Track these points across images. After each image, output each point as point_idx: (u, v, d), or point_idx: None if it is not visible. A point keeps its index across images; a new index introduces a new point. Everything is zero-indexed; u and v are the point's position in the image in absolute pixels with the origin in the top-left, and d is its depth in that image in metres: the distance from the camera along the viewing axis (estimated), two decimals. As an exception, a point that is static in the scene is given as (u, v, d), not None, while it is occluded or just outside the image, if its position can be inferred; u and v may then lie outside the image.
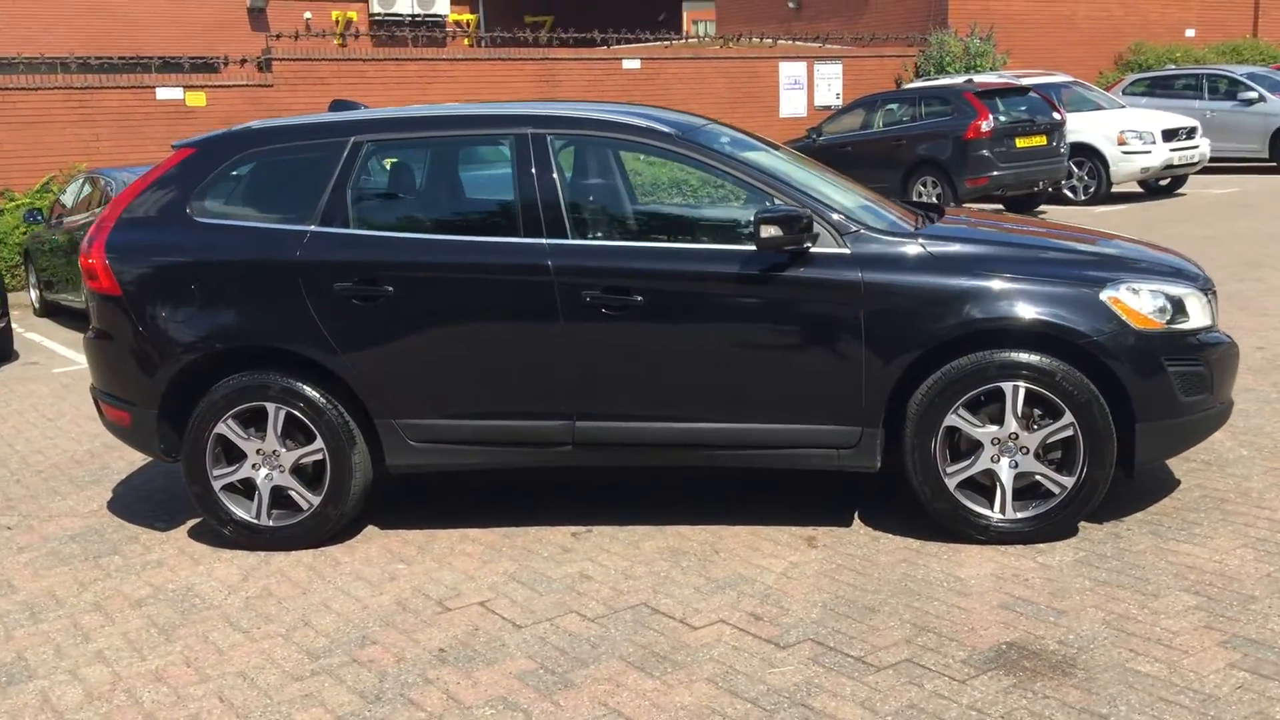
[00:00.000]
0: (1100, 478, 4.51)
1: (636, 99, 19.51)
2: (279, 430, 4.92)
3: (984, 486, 4.62)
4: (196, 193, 5.03)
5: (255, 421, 4.96)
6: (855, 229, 4.63)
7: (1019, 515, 4.57)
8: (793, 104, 22.19)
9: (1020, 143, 15.69)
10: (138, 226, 5.05)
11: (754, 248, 4.59)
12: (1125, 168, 16.86)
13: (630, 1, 30.96)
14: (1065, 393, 4.45)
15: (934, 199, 15.61)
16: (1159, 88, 21.19)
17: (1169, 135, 16.90)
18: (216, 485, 5.01)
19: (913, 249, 4.62)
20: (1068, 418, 4.47)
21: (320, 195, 4.93)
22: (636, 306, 4.63)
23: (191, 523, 5.42)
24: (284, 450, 4.95)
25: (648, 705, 3.57)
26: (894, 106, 17.08)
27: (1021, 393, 4.48)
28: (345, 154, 4.93)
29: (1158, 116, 17.39)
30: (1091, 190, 17.07)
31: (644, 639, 4.01)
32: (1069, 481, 4.52)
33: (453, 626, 4.20)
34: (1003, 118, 15.65)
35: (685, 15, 41.93)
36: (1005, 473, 4.56)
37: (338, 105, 5.55)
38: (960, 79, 18.08)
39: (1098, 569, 4.34)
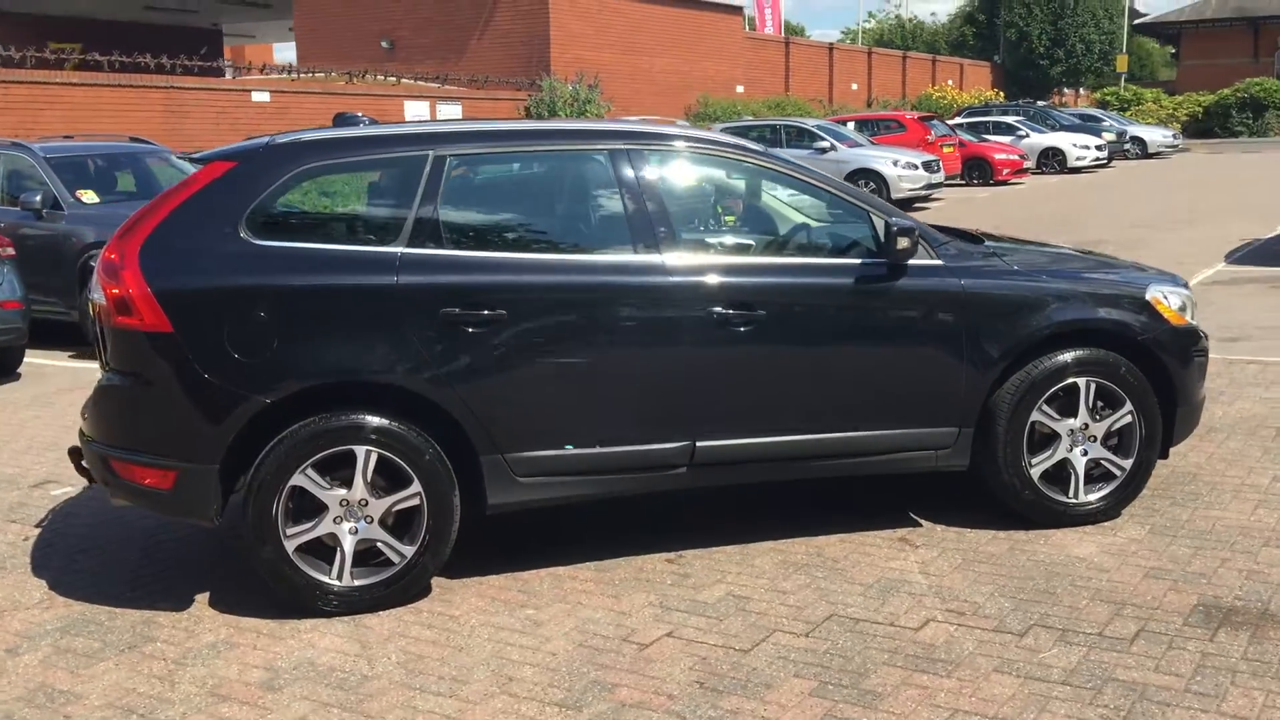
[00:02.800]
0: (1151, 459, 5.11)
1: (269, 132, 18.54)
2: (368, 477, 4.38)
3: (1058, 476, 5.05)
4: (250, 212, 4.37)
5: (331, 469, 4.38)
6: (944, 241, 4.94)
7: (1090, 498, 5.06)
8: (417, 143, 21.97)
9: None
10: (179, 253, 4.30)
11: (860, 260, 4.76)
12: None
13: (162, 32, 29.22)
14: (1127, 384, 5.00)
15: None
16: (742, 136, 23.54)
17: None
18: (290, 546, 4.36)
19: (994, 260, 4.99)
20: (1128, 406, 5.02)
21: (406, 213, 4.47)
22: (760, 321, 4.64)
23: (200, 597, 4.66)
24: (373, 499, 4.41)
25: (978, 701, 3.63)
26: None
27: (1094, 387, 4.98)
28: (428, 168, 4.51)
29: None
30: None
31: (884, 645, 4.04)
32: (1128, 464, 5.07)
33: (678, 658, 3.99)
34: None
35: (226, 49, 40.23)
36: (1078, 461, 5.03)
37: (342, 119, 5.03)
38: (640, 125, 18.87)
39: (1172, 537, 4.91)
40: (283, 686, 3.91)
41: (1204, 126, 50.58)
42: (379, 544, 4.44)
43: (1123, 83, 52.74)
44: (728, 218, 5.22)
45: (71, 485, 6.31)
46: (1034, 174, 30.81)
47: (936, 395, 4.86)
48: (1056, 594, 4.39)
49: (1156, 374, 5.07)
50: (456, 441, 4.47)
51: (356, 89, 21.35)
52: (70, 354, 10.37)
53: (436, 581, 4.66)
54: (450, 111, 22.60)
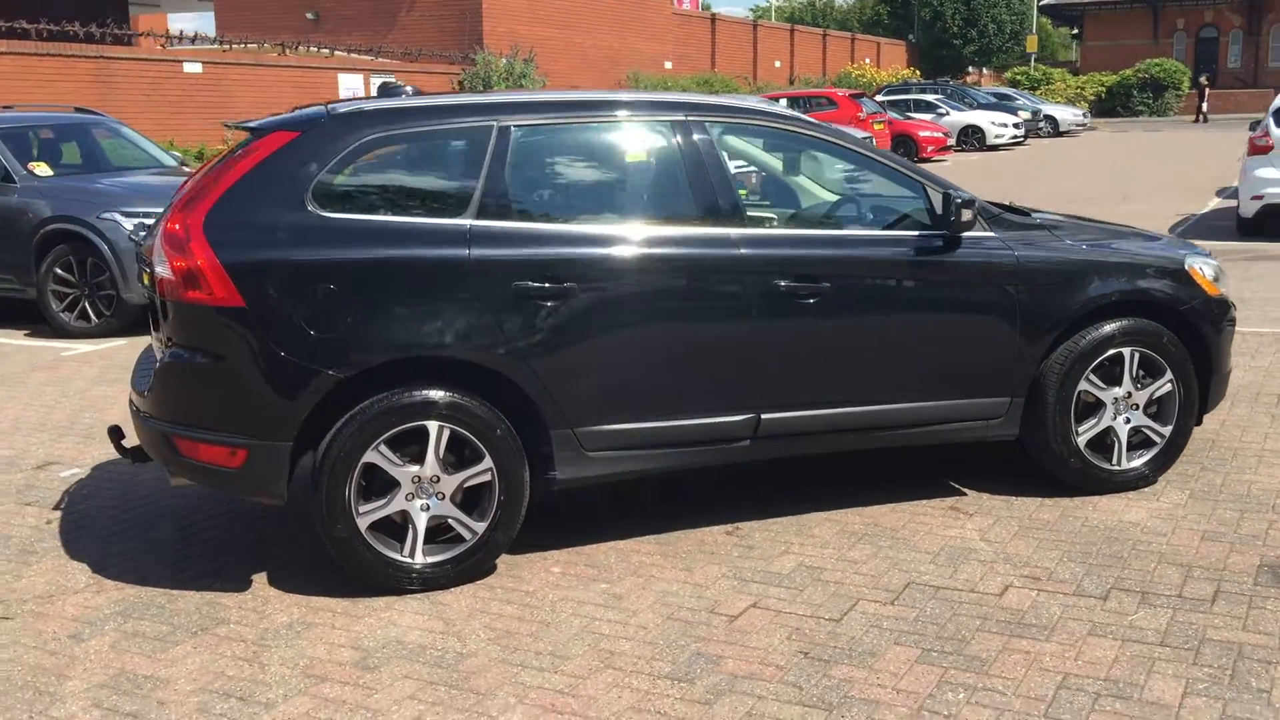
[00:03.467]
0: (1189, 426, 5.25)
1: (201, 104, 18.07)
2: (440, 453, 4.31)
3: (1101, 443, 5.16)
4: (317, 183, 4.24)
5: (401, 445, 4.30)
6: (997, 213, 4.99)
7: (1132, 464, 5.18)
8: (352, 117, 21.55)
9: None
10: (245, 225, 4.16)
11: (919, 232, 4.80)
12: None
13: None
14: (1168, 353, 5.12)
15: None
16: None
17: None
18: (363, 524, 4.27)
19: (1044, 232, 5.07)
20: (1168, 375, 5.14)
21: (473, 185, 4.38)
22: (825, 293, 4.65)
23: (257, 577, 4.54)
24: (444, 475, 4.33)
25: (1084, 664, 3.69)
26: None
27: (1138, 356, 5.09)
28: (494, 138, 4.42)
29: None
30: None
31: (972, 611, 4.09)
32: (1167, 431, 5.20)
33: (771, 629, 3.99)
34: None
35: (133, 18, 39.00)
36: (1121, 428, 5.14)
37: (387, 89, 4.91)
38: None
39: (1214, 501, 5.04)
40: (378, 666, 3.83)
41: (1107, 106, 51.95)
42: (450, 520, 4.36)
43: (1032, 63, 53.82)
44: (787, 189, 5.19)
45: (78, 466, 6.11)
46: (956, 151, 31.35)
47: (990, 365, 4.92)
48: (1123, 558, 4.49)
49: (1194, 343, 5.19)
50: (526, 416, 4.41)
51: (289, 61, 20.85)
52: (25, 332, 10.02)
53: (501, 557, 4.60)
54: (384, 85, 22.20)
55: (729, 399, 4.62)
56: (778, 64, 40.20)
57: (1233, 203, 16.17)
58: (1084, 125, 41.31)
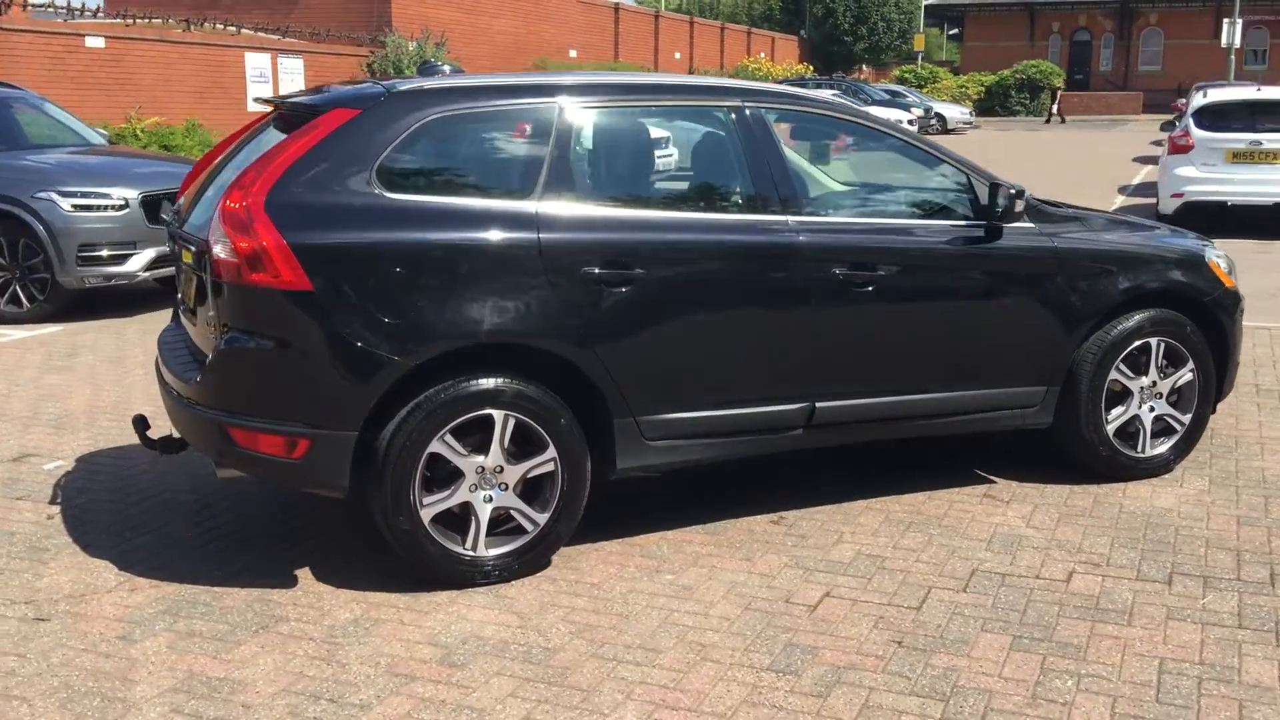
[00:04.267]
0: (1206, 414, 5.39)
1: (104, 81, 17.35)
2: (505, 442, 4.18)
3: (1125, 431, 5.26)
4: (381, 163, 4.07)
5: (464, 434, 4.16)
6: (1035, 204, 5.05)
7: (1155, 452, 5.30)
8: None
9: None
10: (309, 206, 3.97)
11: (966, 222, 4.84)
12: None
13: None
14: (1191, 343, 5.25)
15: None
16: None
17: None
18: (426, 517, 4.12)
19: (1078, 224, 5.14)
20: (1190, 365, 5.27)
21: (538, 167, 4.25)
22: (878, 281, 4.64)
23: (300, 572, 4.36)
24: (508, 465, 4.21)
25: (1175, 648, 3.74)
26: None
27: (1163, 346, 5.21)
28: (557, 120, 4.31)
29: None
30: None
31: (1046, 598, 4.12)
32: (1187, 419, 5.33)
33: (855, 618, 3.96)
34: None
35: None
36: (1147, 417, 5.26)
37: (426, 68, 4.75)
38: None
39: (1235, 488, 5.19)
40: (464, 663, 3.69)
41: (986, 105, 53.36)
42: (513, 511, 4.24)
43: (920, 61, 55.00)
44: (836, 178, 5.17)
45: (60, 459, 5.80)
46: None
47: (1030, 355, 4.97)
48: (1171, 544, 4.58)
49: (1213, 333, 5.33)
50: (589, 404, 4.31)
51: (194, 38, 20.11)
52: (-49, 317, 9.47)
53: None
54: (292, 66, 21.59)
55: (785, 387, 4.58)
56: (678, 55, 40.34)
57: (1138, 200, 16.76)
58: (970, 124, 42.35)
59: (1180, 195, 13.39)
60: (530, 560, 4.28)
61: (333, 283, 3.91)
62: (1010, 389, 4.98)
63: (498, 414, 4.13)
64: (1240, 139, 13.19)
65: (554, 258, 4.15)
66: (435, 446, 4.08)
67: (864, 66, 57.76)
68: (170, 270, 9.38)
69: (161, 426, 5.08)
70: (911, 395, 4.82)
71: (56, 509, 5.08)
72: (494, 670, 3.65)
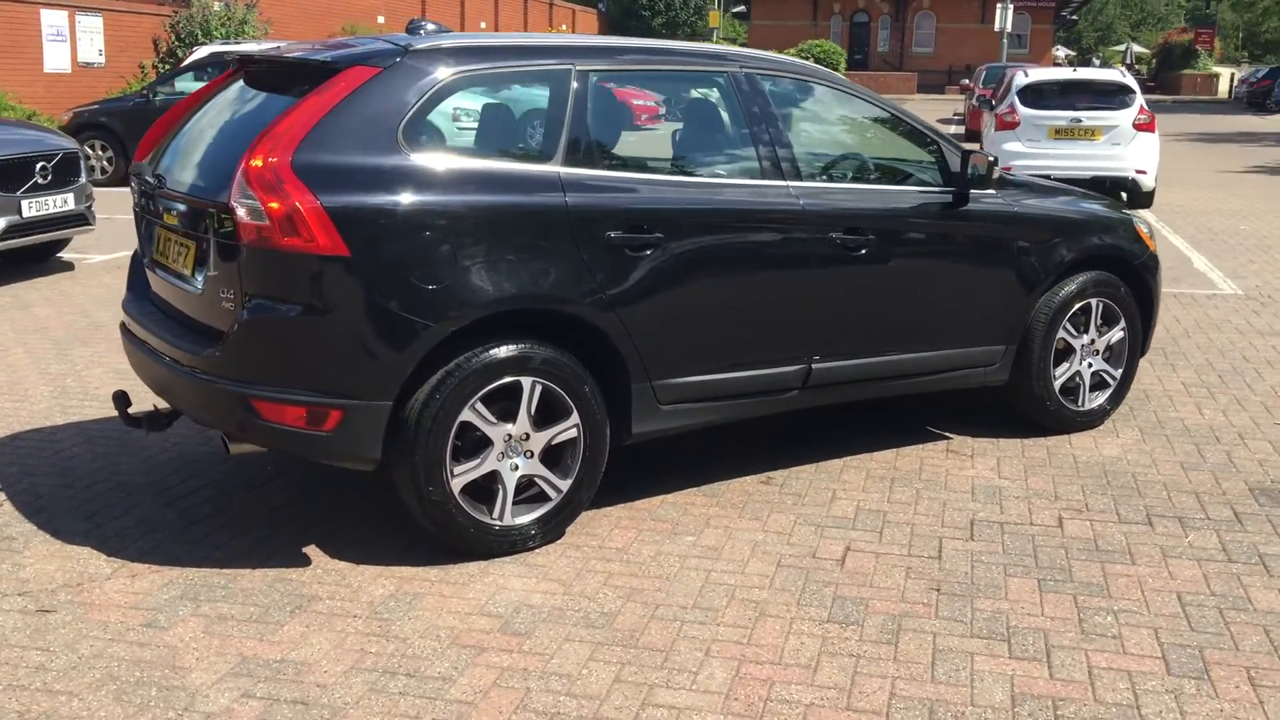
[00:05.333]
0: (1134, 369, 5.79)
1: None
2: (532, 410, 4.14)
3: (1068, 386, 5.60)
4: (405, 123, 3.94)
5: (492, 401, 4.10)
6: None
7: (1093, 405, 5.66)
8: (56, 58, 19.67)
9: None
10: (338, 168, 3.80)
11: (941, 187, 5.05)
12: None
13: None
14: (1124, 303, 5.63)
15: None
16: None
17: None
18: (456, 486, 4.05)
19: (1024, 189, 5.43)
20: (1122, 323, 5.66)
21: (558, 130, 4.20)
22: (869, 245, 4.80)
23: (308, 550, 4.21)
24: (534, 433, 4.17)
25: (1185, 583, 4.03)
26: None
27: (1102, 306, 5.57)
28: (574, 83, 4.26)
29: None
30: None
31: (1049, 543, 4.36)
32: (1119, 374, 5.72)
33: (886, 570, 4.11)
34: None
35: None
36: (1086, 372, 5.61)
37: (417, 26, 4.61)
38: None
39: (1165, 437, 5.60)
40: (527, 631, 3.65)
41: (776, 82, 54.66)
42: (537, 479, 4.20)
43: (715, 37, 55.97)
44: (826, 145, 5.26)
45: (-24, 441, 5.37)
46: (667, 120, 32.17)
47: (996, 314, 5.23)
48: (1135, 489, 4.91)
49: (1140, 294, 5.72)
50: (608, 370, 4.31)
51: (-17, -8, 18.61)
52: None
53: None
54: (90, 24, 20.23)
55: (786, 350, 4.68)
56: (483, 25, 39.82)
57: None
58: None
59: (1009, 169, 14.15)
60: (554, 527, 4.26)
61: (368, 247, 3.77)
62: (979, 348, 5.22)
63: (526, 381, 4.07)
64: (1062, 116, 14.03)
65: (580, 221, 4.12)
66: (466, 415, 3.99)
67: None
68: (19, 241, 8.76)
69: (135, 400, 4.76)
70: (896, 355, 5.00)
71: (1, 495, 4.71)
72: (561, 637, 3.62)
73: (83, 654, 3.48)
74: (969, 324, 5.17)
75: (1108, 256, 5.55)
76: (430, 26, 4.64)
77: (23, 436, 5.46)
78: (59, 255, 10.05)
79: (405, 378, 3.87)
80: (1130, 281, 5.65)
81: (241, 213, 3.73)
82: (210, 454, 5.20)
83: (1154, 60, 69.92)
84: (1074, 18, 78.90)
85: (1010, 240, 5.19)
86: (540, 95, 4.25)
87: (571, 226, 4.10)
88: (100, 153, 15.65)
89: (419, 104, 3.96)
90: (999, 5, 46.51)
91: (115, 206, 12.28)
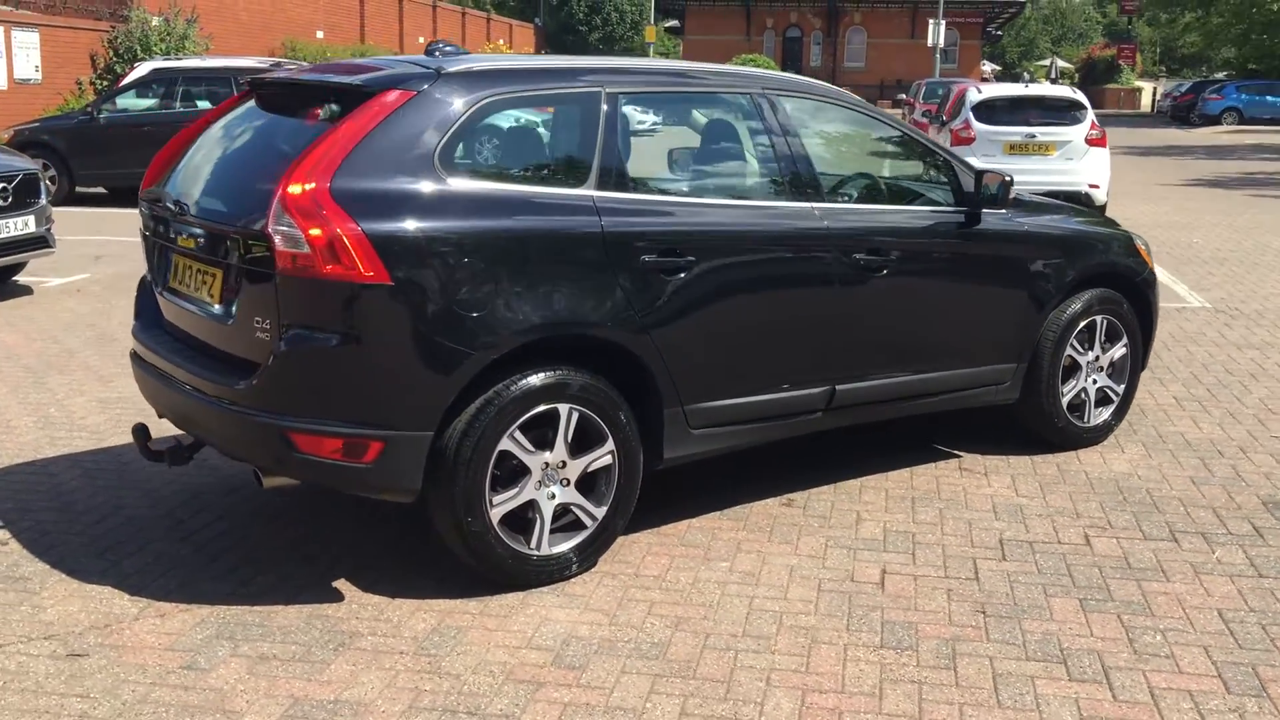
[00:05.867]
0: (1135, 384, 5.86)
1: None
2: (569, 437, 4.09)
3: (1074, 403, 5.65)
4: (442, 148, 3.87)
5: (529, 430, 4.04)
6: (1003, 191, 5.34)
7: (1098, 421, 5.72)
8: (-8, 75, 19.19)
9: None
10: (378, 195, 3.71)
11: (954, 207, 5.08)
12: None
13: None
14: (1126, 320, 5.70)
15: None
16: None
17: None
18: (495, 516, 3.98)
19: (1033, 209, 5.48)
20: (1125, 340, 5.73)
21: (590, 154, 4.16)
22: (889, 267, 4.81)
23: (338, 584, 4.11)
24: (570, 460, 4.11)
25: (1222, 599, 4.07)
26: (199, 87, 16.07)
27: (1106, 323, 5.63)
28: (604, 105, 4.22)
29: None
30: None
31: (1079, 561, 4.38)
32: (1121, 389, 5.78)
33: (927, 592, 4.09)
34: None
35: None
36: (1091, 389, 5.67)
37: (435, 48, 4.54)
38: (267, 62, 17.46)
39: (1170, 453, 5.67)
40: (581, 664, 3.59)
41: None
42: (573, 507, 4.14)
43: (652, 51, 56.20)
44: (841, 165, 5.26)
45: (-31, 476, 5.19)
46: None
47: (1008, 333, 5.26)
48: (1153, 505, 4.96)
49: (1140, 310, 5.79)
50: (641, 395, 4.26)
51: (-85, 7, 18.12)
52: None
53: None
54: (27, 40, 19.76)
55: (812, 372, 4.67)
56: (421, 39, 39.55)
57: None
58: (707, 113, 43.62)
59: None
60: (590, 555, 4.20)
61: (411, 275, 3.69)
62: (992, 366, 5.25)
63: (563, 408, 4.02)
64: (1016, 132, 14.25)
65: (615, 246, 4.07)
66: (505, 444, 3.93)
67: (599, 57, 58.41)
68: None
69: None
70: (915, 375, 5.01)
71: (5, 533, 4.55)
72: (617, 669, 3.56)
73: (126, 700, 3.35)
74: (983, 343, 5.20)
75: (1111, 274, 5.62)
76: (449, 48, 4.57)
77: (14, 470, 5.28)
78: (15, 279, 9.77)
79: (446, 407, 3.79)
80: (1131, 298, 5.72)
81: (279, 240, 3.63)
82: (216, 485, 5.07)
83: (1077, 75, 71.38)
84: (999, 33, 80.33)
85: (1022, 259, 5.24)
86: (572, 118, 4.20)
87: (607, 250, 4.05)
88: (43, 172, 15.26)
89: (455, 128, 3.89)
90: (931, 22, 47.20)
91: (65, 228, 11.97)
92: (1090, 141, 14.10)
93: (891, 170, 5.32)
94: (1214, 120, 43.45)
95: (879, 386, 4.90)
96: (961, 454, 5.58)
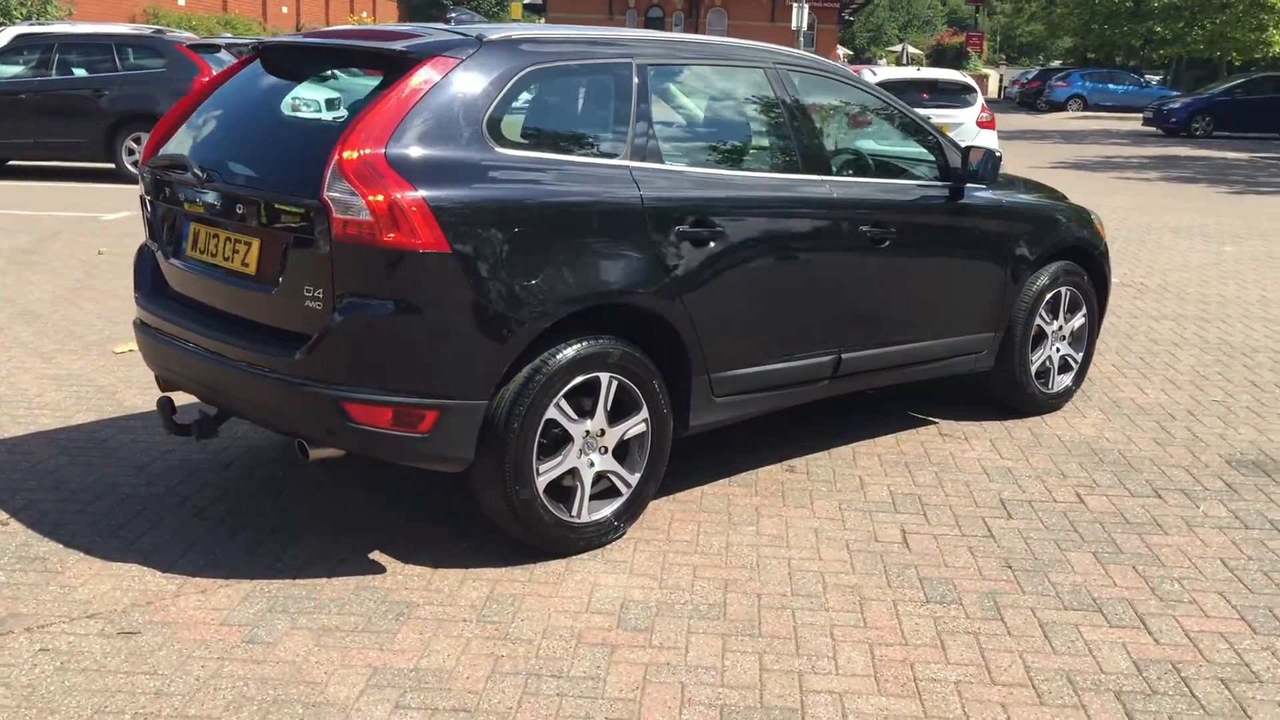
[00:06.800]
0: (1093, 351, 6.18)
1: None
2: (608, 405, 4.13)
3: (1040, 371, 5.92)
4: (490, 116, 3.85)
5: (573, 398, 4.07)
6: (976, 165, 5.55)
7: (1060, 388, 6.00)
8: None
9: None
10: (432, 162, 3.67)
11: (947, 181, 5.27)
12: None
13: None
14: (1085, 291, 6.00)
15: (153, 157, 14.73)
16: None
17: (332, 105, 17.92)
18: (541, 485, 4.00)
19: (1009, 185, 5.71)
20: (1084, 310, 6.03)
21: (624, 124, 4.19)
22: (892, 237, 4.97)
23: (375, 556, 4.08)
24: (608, 429, 4.16)
25: (1226, 547, 4.34)
26: (74, 54, 15.35)
27: (1069, 294, 5.92)
28: (635, 77, 4.26)
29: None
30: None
31: (1080, 519, 4.61)
32: (1080, 356, 6.09)
33: (949, 549, 4.26)
34: (219, 74, 15.25)
35: None
36: (1055, 356, 5.95)
37: (456, 18, 4.50)
38: (147, 29, 16.74)
39: (1127, 417, 5.99)
40: (648, 626, 3.64)
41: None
42: (609, 474, 4.19)
43: (517, 28, 55.66)
44: (843, 138, 5.37)
45: (-59, 456, 4.95)
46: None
47: (989, 303, 5.48)
48: (1128, 465, 5.24)
49: (1097, 281, 6.10)
50: (671, 364, 4.33)
51: None
52: None
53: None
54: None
55: (822, 340, 4.80)
56: (285, 10, 38.48)
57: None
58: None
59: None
60: (625, 521, 4.24)
61: (469, 243, 3.67)
62: (973, 335, 5.46)
63: (604, 376, 4.05)
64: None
65: (654, 215, 4.12)
66: (551, 412, 3.94)
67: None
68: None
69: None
70: (909, 344, 5.18)
71: (2, 513, 4.36)
72: (684, 630, 3.63)
73: (199, 675, 3.28)
74: (968, 312, 5.41)
75: (1074, 247, 5.89)
76: (465, 16, 4.55)
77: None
78: (-90, 253, 9.25)
79: (501, 375, 3.79)
80: (1090, 270, 6.01)
81: (336, 208, 3.57)
82: (209, 461, 4.95)
83: (927, 61, 73.50)
84: (851, 19, 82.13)
85: (1005, 233, 5.46)
86: (606, 89, 4.22)
87: (645, 219, 4.09)
88: (-90, 142, 14.44)
89: (500, 96, 3.88)
90: (795, 5, 47.95)
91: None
92: (981, 124, 14.62)
93: (890, 144, 5.47)
94: (1060, 106, 45.31)
95: (879, 355, 5.06)
96: (937, 420, 5.80)
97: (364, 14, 46.59)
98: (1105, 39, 50.62)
